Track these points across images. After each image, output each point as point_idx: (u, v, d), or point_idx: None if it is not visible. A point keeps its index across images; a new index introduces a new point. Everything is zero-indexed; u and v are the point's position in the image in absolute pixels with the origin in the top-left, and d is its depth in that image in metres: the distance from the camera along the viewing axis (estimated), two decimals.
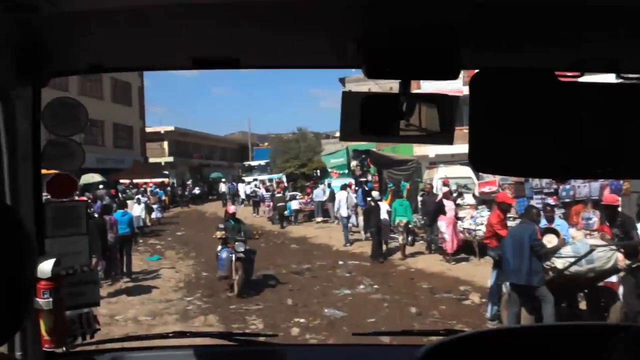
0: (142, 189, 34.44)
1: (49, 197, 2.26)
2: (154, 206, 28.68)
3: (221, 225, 14.09)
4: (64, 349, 2.21)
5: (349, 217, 20.59)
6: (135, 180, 39.42)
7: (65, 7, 1.21)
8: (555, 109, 1.10)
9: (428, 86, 14.06)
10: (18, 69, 1.64)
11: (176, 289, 13.33)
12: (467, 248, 15.36)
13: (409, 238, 17.01)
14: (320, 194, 28.59)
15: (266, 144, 58.73)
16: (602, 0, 1.07)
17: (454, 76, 1.23)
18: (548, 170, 1.20)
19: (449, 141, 1.37)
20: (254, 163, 49.61)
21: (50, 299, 1.97)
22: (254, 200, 35.41)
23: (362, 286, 12.76)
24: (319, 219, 27.59)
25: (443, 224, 15.16)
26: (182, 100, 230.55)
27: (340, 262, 16.11)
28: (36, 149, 2.05)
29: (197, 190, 46.23)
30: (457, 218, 15.65)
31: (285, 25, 1.25)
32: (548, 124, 1.10)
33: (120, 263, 14.77)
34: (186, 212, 37.62)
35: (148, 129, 51.17)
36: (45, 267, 1.96)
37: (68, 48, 1.61)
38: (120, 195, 27.63)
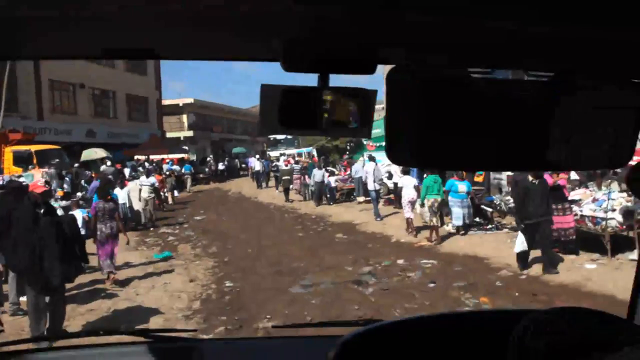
0: (142, 164, 30.75)
1: None
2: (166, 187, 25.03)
3: None
4: None
5: (377, 191, 19.16)
6: (152, 157, 35.99)
7: None
8: (468, 105, 1.12)
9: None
10: None
11: (187, 314, 8.87)
12: (588, 243, 11.14)
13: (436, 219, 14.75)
14: (360, 169, 24.46)
15: None
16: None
17: (371, 71, 1.20)
18: (460, 163, 1.25)
19: (368, 135, 1.31)
20: (280, 136, 45.47)
21: None
22: (276, 175, 31.41)
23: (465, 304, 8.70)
24: (361, 198, 23.49)
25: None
26: (201, 75, 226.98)
27: (406, 262, 12.04)
28: None
29: (221, 166, 42.83)
30: (569, 202, 11.46)
31: (203, 17, 1.14)
32: (460, 119, 1.12)
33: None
34: (207, 191, 33.74)
35: (166, 102, 47.86)
36: None
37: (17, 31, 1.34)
38: (130, 172, 23.80)
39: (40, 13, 1.15)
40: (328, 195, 23.84)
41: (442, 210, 15.17)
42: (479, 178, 17.43)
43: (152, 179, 19.69)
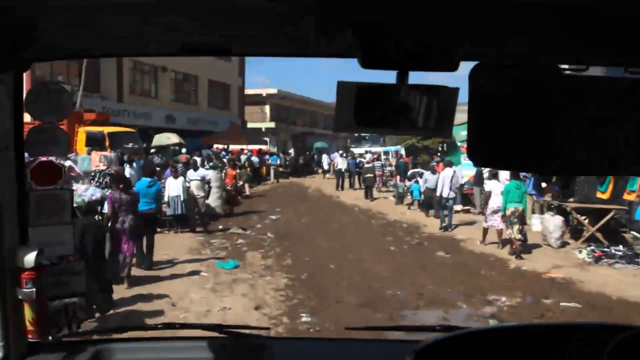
0: (218, 153, 28.94)
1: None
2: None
3: None
4: (50, 339, 2.17)
5: (454, 199, 17.09)
6: (231, 146, 34.31)
7: None
8: (557, 103, 1.05)
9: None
10: None
11: None
12: None
13: (521, 231, 12.88)
14: (459, 174, 21.39)
15: None
16: None
17: (453, 68, 1.21)
18: (549, 166, 1.13)
19: (448, 134, 1.30)
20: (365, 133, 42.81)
21: (34, 289, 1.99)
22: (358, 172, 28.88)
23: None
24: (458, 207, 20.41)
25: None
26: (285, 67, 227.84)
27: (535, 301, 9.06)
28: (19, 136, 2.00)
29: (301, 161, 40.68)
30: None
31: (279, 13, 1.20)
32: (550, 118, 1.05)
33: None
34: (286, 186, 31.54)
35: (249, 92, 46.36)
36: (28, 257, 1.98)
37: (51, 33, 1.53)
38: (203, 161, 21.77)
39: (124, 13, 1.24)
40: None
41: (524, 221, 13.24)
42: (603, 195, 14.10)
43: (202, 172, 16.94)
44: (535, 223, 15.57)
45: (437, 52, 1.17)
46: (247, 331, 2.52)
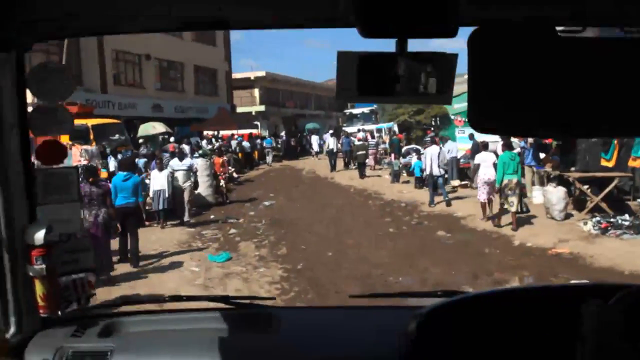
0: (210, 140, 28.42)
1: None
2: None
3: None
4: (60, 314, 2.21)
5: (442, 176, 16.72)
6: (222, 132, 33.69)
7: None
8: (556, 66, 1.05)
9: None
10: (1, 34, 1.69)
11: None
12: None
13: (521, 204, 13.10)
14: (454, 148, 20.95)
15: None
16: None
17: (452, 34, 1.21)
18: (551, 129, 1.14)
19: (448, 101, 1.31)
20: (357, 111, 42.08)
21: (43, 266, 2.04)
22: (346, 150, 28.42)
23: None
24: (455, 182, 19.99)
25: None
26: (273, 49, 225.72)
27: (553, 279, 8.59)
28: (22, 116, 2.04)
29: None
30: None
31: None
32: (550, 81, 1.05)
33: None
34: (278, 170, 30.96)
35: (237, 75, 45.66)
36: (38, 234, 2.02)
37: (52, 12, 1.58)
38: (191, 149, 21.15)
39: None
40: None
41: (522, 193, 13.26)
42: (608, 163, 13.60)
43: (188, 161, 15.91)
44: (537, 195, 15.09)
45: (435, 18, 1.16)
46: (252, 301, 2.57)
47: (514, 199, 12.34)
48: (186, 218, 14.39)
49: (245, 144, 31.57)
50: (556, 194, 12.76)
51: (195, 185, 16.31)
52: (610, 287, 1.36)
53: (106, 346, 2.14)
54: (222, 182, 18.54)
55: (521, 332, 1.59)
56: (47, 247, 2.05)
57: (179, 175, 14.55)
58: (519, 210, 12.92)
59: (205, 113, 35.96)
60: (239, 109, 44.02)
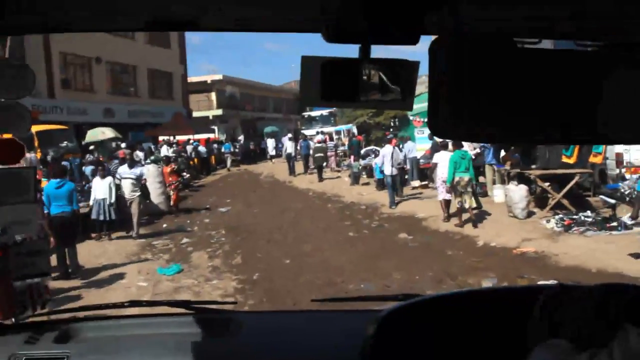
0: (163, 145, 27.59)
1: None
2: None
3: None
4: (13, 320, 2.18)
5: (395, 176, 16.61)
6: (178, 137, 32.76)
7: None
8: (514, 75, 1.09)
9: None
10: None
11: None
12: None
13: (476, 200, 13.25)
14: (413, 148, 20.72)
15: None
16: None
17: (414, 41, 1.23)
18: (507, 136, 1.21)
19: (409, 107, 1.34)
20: (315, 113, 41.68)
21: None
22: (305, 154, 27.13)
23: None
24: (416, 182, 19.72)
25: None
26: (231, 53, 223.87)
27: (519, 279, 8.25)
28: None
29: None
30: None
31: None
32: (507, 90, 1.09)
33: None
34: (236, 174, 30.24)
35: (193, 79, 44.75)
36: None
37: (17, 8, 1.47)
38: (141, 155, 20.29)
39: None
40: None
41: (475, 190, 13.34)
42: (569, 159, 13.48)
43: (138, 170, 14.36)
44: (498, 194, 14.87)
45: (398, 26, 1.18)
46: (213, 306, 2.55)
47: (466, 197, 12.42)
48: (134, 232, 13.14)
49: (202, 149, 30.76)
50: (518, 193, 12.51)
51: (146, 194, 15.36)
52: (563, 287, 1.40)
53: (62, 352, 2.08)
54: (172, 192, 17.16)
55: (478, 333, 1.61)
56: (1, 249, 1.97)
57: (126, 185, 13.49)
58: (474, 206, 12.88)
59: (160, 118, 34.89)
60: (197, 113, 43.09)
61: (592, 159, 12.91)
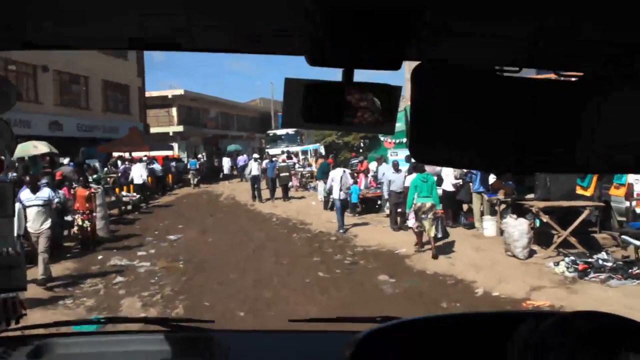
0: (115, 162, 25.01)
1: None
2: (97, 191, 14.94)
3: None
4: None
5: (344, 200, 16.05)
6: (135, 154, 30.24)
7: None
8: (494, 103, 1.13)
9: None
10: None
11: None
12: None
13: (438, 228, 12.20)
14: (389, 172, 18.77)
15: None
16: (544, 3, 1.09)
17: (396, 67, 1.22)
18: (486, 163, 1.25)
19: (391, 131, 1.33)
20: (281, 132, 39.65)
21: None
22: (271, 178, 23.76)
23: None
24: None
25: None
26: (194, 68, 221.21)
27: None
28: None
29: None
30: None
31: (227, 9, 1.22)
32: (487, 118, 1.13)
33: None
34: (194, 195, 27.91)
35: (153, 93, 42.59)
36: None
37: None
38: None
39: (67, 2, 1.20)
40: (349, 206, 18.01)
41: (438, 219, 12.30)
42: (585, 191, 11.66)
43: (46, 193, 10.98)
44: (488, 227, 13.07)
45: (381, 51, 1.18)
46: (191, 324, 2.50)
47: (426, 223, 11.53)
48: (40, 274, 9.79)
49: (157, 167, 28.27)
50: (518, 228, 10.63)
51: (65, 221, 12.84)
52: (547, 314, 1.33)
53: None
54: (86, 223, 13.18)
55: (458, 357, 1.56)
56: None
57: (31, 214, 10.32)
58: (435, 235, 11.79)
59: (114, 132, 32.39)
60: (156, 129, 40.76)
61: (613, 192, 11.15)
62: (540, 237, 11.44)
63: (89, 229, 13.22)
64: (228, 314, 8.08)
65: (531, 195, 12.69)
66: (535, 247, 11.10)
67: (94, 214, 13.47)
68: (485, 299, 8.56)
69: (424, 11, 1.09)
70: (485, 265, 10.19)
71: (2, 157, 2.44)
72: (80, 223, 13.08)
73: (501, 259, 10.63)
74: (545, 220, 11.29)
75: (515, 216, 11.18)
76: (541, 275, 9.46)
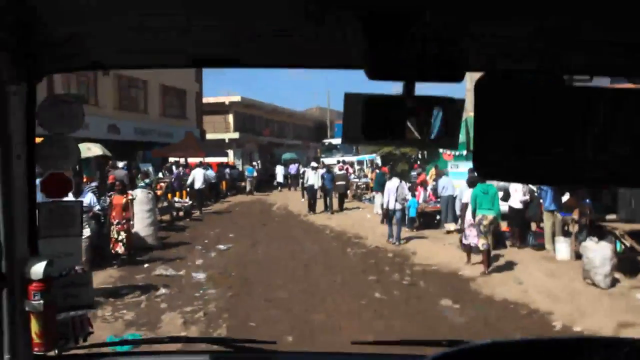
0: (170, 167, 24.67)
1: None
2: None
3: None
4: (56, 352, 2.13)
5: (400, 210, 15.38)
6: (190, 159, 30.11)
7: (64, 6, 1.23)
8: (563, 114, 1.05)
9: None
10: (14, 65, 1.66)
11: None
12: None
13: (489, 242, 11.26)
14: (449, 184, 17.75)
15: None
16: (612, 6, 1.04)
17: (459, 79, 1.20)
18: (556, 178, 1.15)
19: (454, 146, 1.30)
20: (336, 141, 39.00)
21: (41, 301, 1.93)
22: (328, 188, 22.81)
23: None
24: (451, 225, 16.74)
25: None
26: (251, 75, 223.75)
27: None
28: (30, 147, 1.96)
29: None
30: None
31: (286, 24, 1.24)
32: (556, 130, 1.05)
33: None
34: (246, 203, 27.49)
35: (210, 100, 42.52)
36: (37, 268, 1.94)
37: (66, 45, 1.57)
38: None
39: (135, 28, 1.30)
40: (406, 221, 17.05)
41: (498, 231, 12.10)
42: None
43: (88, 198, 10.78)
44: (561, 249, 11.89)
45: (443, 63, 1.16)
46: (253, 345, 2.41)
47: (483, 239, 11.05)
48: None
49: (211, 173, 27.96)
50: (600, 253, 9.48)
51: (101, 233, 12.04)
52: (622, 342, 1.27)
53: None
54: (122, 235, 12.11)
55: None
56: (46, 281, 1.91)
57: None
58: (485, 247, 11.12)
59: (170, 137, 32.47)
60: (211, 135, 40.66)
61: None
62: (624, 263, 10.22)
63: (124, 240, 12.13)
64: (274, 337, 7.33)
65: (612, 216, 11.47)
66: (617, 275, 9.91)
67: (131, 222, 12.46)
68: (565, 332, 7.50)
69: (484, 22, 1.09)
70: (563, 294, 9.11)
71: (71, 177, 2.35)
72: (115, 236, 12.04)
73: (580, 287, 9.50)
74: (629, 244, 10.07)
75: (596, 239, 10.02)
76: (631, 309, 8.32)
